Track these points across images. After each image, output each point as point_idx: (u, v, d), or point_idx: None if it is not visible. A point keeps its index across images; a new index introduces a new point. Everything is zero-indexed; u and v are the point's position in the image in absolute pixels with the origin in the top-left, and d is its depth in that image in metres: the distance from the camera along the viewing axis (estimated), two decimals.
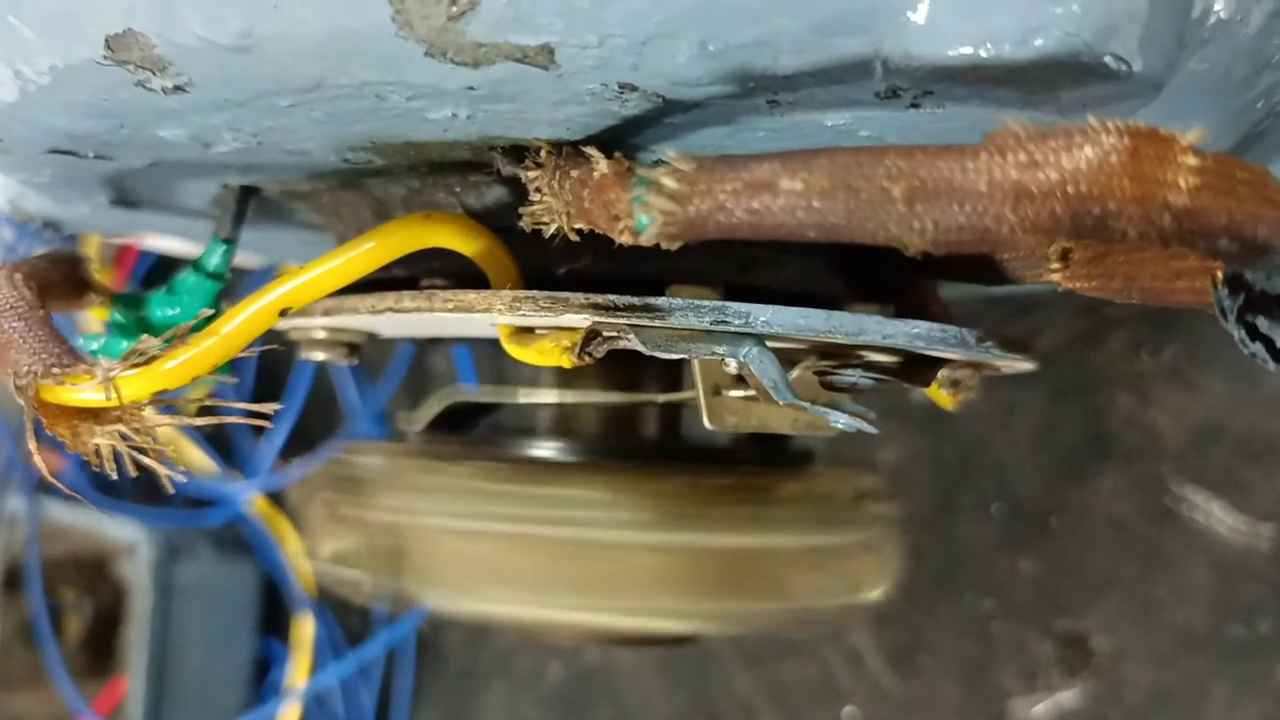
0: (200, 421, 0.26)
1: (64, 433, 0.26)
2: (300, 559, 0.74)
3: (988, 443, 0.53)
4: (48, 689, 0.77)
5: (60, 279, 0.32)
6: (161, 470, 0.26)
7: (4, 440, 0.83)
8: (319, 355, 0.34)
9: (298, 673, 0.73)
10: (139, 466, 0.26)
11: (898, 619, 0.55)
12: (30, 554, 0.78)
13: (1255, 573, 0.47)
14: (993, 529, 0.53)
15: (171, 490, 0.26)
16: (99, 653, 0.78)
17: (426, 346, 0.71)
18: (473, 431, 0.39)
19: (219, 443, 0.77)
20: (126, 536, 0.74)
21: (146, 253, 0.75)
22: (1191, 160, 0.18)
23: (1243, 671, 0.47)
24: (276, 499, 0.75)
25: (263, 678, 0.77)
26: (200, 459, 0.76)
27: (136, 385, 0.26)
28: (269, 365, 0.74)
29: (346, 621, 0.74)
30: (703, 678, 0.61)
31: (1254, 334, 0.20)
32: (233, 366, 0.29)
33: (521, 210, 0.26)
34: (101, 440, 0.26)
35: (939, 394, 0.30)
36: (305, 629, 0.73)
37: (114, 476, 0.26)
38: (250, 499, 0.75)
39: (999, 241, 0.18)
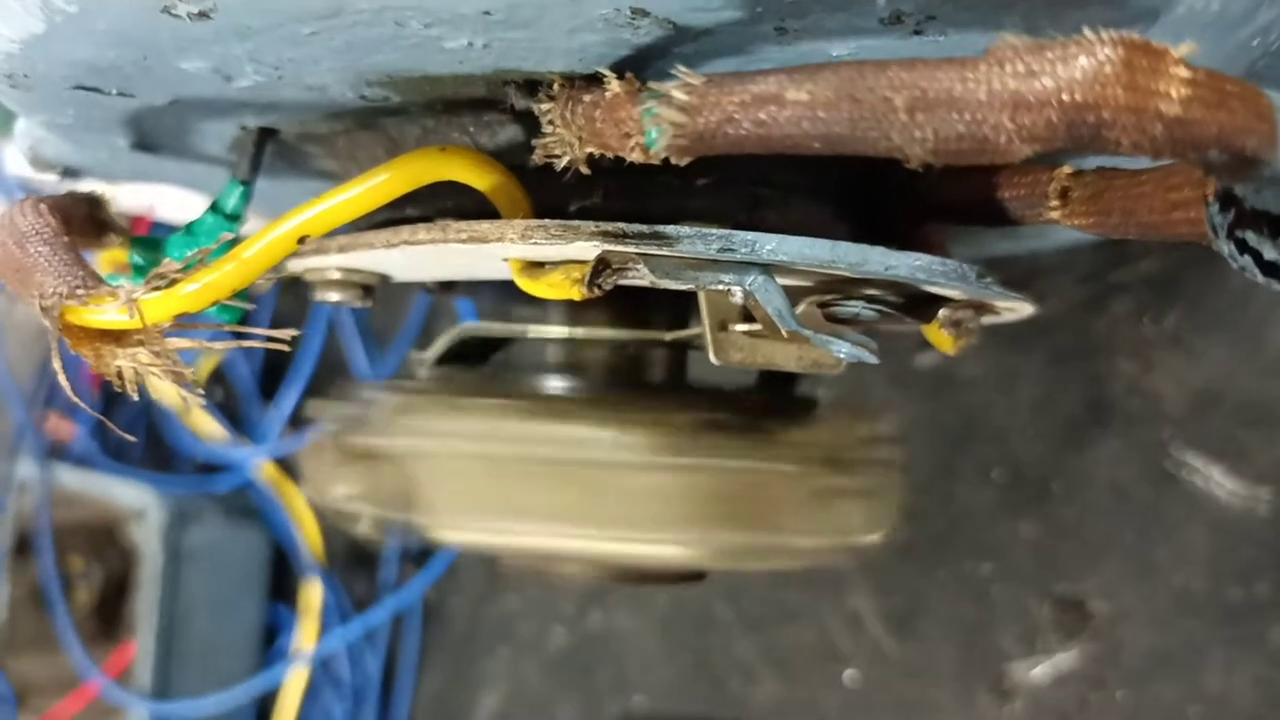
0: (221, 346, 0.27)
1: (87, 353, 0.27)
2: (309, 524, 0.75)
3: (989, 408, 0.54)
4: (58, 653, 0.78)
5: (82, 216, 0.32)
6: (182, 391, 0.27)
7: (15, 407, 0.84)
8: (333, 296, 0.34)
9: (305, 637, 0.74)
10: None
11: (898, 583, 0.56)
12: (41, 520, 0.79)
13: (1253, 536, 0.48)
14: (993, 493, 0.54)
15: (192, 408, 0.27)
16: (108, 617, 0.79)
17: (437, 314, 0.72)
18: (482, 368, 0.39)
19: (228, 409, 0.78)
20: (136, 502, 0.74)
21: (159, 225, 0.76)
22: (1183, 72, 0.19)
23: (1239, 634, 0.48)
24: (285, 465, 0.76)
25: (271, 644, 0.78)
26: (210, 425, 0.77)
27: (158, 307, 0.26)
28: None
29: (353, 587, 0.75)
30: (703, 642, 0.62)
31: (1243, 248, 0.21)
32: (248, 298, 0.29)
33: (534, 143, 0.27)
34: (123, 362, 0.27)
35: (940, 335, 0.31)
36: (313, 594, 0.74)
37: (135, 398, 0.27)
38: (259, 465, 0.76)
39: (997, 151, 0.19)
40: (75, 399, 0.27)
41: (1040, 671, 0.52)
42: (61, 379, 0.26)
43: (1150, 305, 0.50)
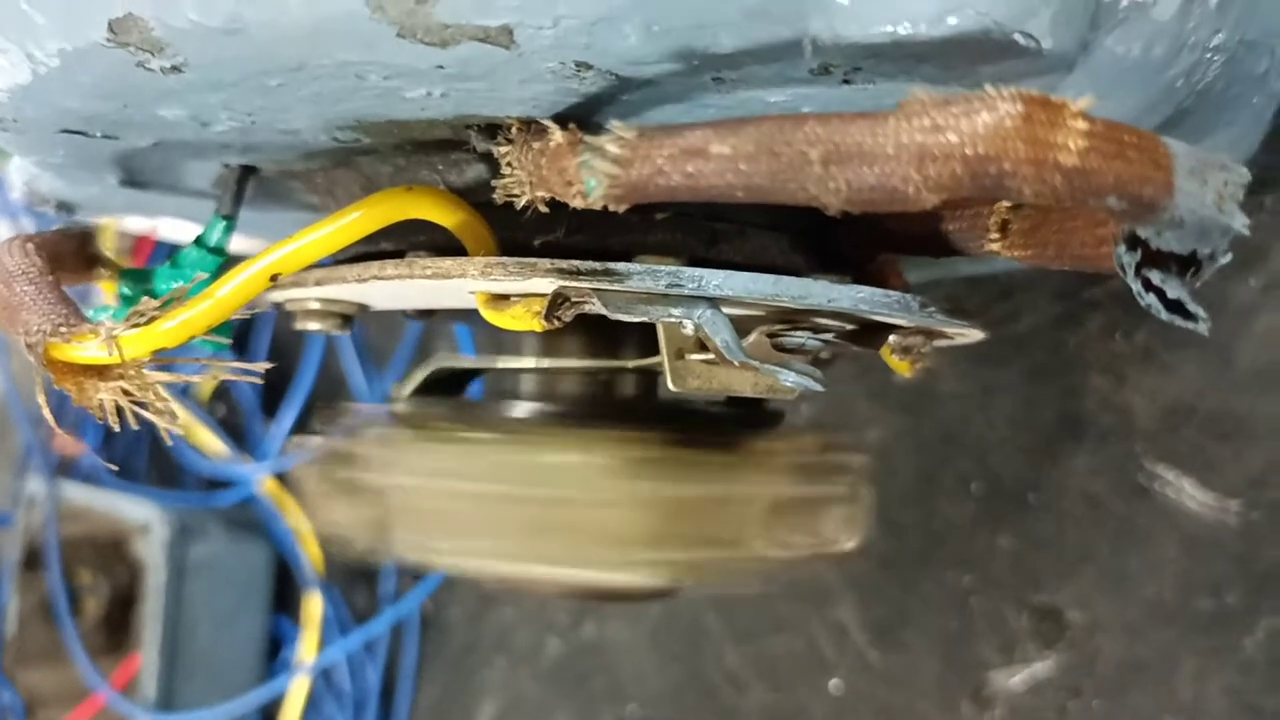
0: (199, 379, 0.28)
1: (70, 388, 0.28)
2: (310, 538, 0.76)
3: (967, 423, 0.55)
4: (66, 665, 0.80)
5: (71, 252, 0.34)
6: (161, 423, 0.28)
7: (23, 425, 0.86)
8: (314, 325, 0.36)
9: (306, 648, 0.76)
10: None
11: (881, 594, 0.57)
12: (49, 534, 0.81)
13: (1223, 547, 0.49)
14: (972, 507, 0.55)
15: (170, 442, 0.28)
16: (115, 630, 0.80)
17: (432, 335, 0.73)
18: (458, 398, 0.41)
19: (231, 426, 0.80)
20: (141, 517, 0.76)
21: (163, 243, 0.77)
22: (1081, 125, 0.20)
23: (1211, 643, 0.49)
24: (287, 480, 0.77)
25: (273, 655, 0.80)
26: (213, 441, 0.79)
27: (137, 343, 0.28)
28: (279, 350, 0.77)
29: (353, 599, 0.77)
30: (695, 652, 0.63)
31: (1149, 286, 0.22)
32: (231, 330, 0.31)
33: (494, 183, 0.28)
34: (105, 395, 0.28)
35: (893, 360, 0.32)
36: (314, 606, 0.76)
37: (116, 429, 0.29)
38: (261, 480, 0.77)
39: (907, 200, 0.20)
40: (59, 429, 0.29)
41: (1019, 680, 0.53)
42: (46, 412, 0.28)
43: (1122, 321, 0.51)
